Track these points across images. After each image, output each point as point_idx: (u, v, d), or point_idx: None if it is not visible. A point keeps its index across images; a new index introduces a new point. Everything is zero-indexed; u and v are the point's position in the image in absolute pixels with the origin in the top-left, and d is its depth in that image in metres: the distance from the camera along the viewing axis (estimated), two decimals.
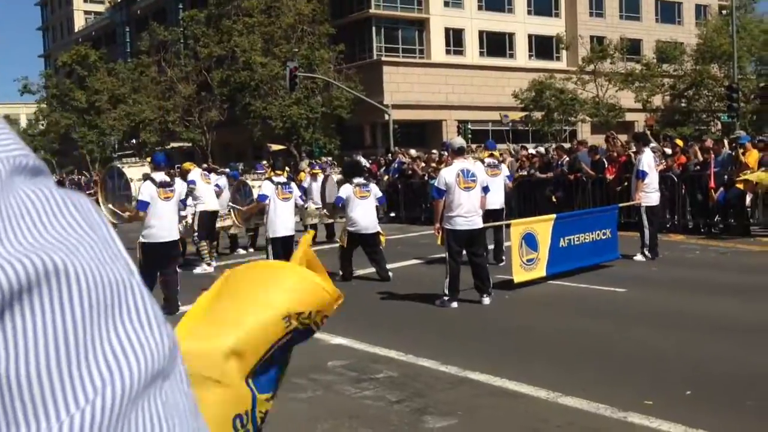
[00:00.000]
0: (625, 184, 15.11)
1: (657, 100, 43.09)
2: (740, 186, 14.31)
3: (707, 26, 44.63)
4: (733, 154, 15.03)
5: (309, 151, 38.53)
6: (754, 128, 34.52)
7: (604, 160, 17.03)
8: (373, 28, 45.26)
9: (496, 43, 48.77)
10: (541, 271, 10.50)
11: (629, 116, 43.01)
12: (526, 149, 21.27)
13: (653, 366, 6.41)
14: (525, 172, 19.04)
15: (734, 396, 5.60)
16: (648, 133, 20.48)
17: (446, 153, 11.94)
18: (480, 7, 47.85)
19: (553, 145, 22.36)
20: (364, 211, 11.39)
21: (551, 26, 49.06)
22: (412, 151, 23.72)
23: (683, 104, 43.78)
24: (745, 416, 5.25)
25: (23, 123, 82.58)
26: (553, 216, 11.38)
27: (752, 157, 14.59)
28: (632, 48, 46.14)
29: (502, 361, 6.71)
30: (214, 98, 44.90)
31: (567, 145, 22.17)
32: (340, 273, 11.46)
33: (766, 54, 42.56)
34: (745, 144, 15.20)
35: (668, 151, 16.75)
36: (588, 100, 40.53)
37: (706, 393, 5.67)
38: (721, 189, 14.78)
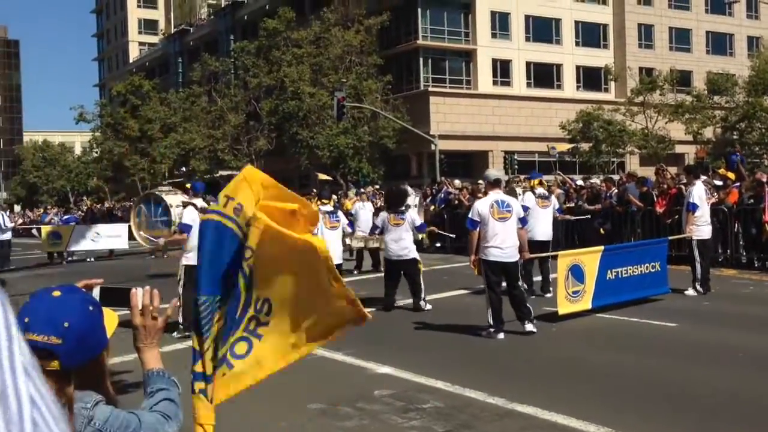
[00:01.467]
0: (676, 217, 14.88)
1: (708, 132, 42.43)
2: None
3: (759, 58, 43.93)
4: None
5: (355, 180, 38.80)
6: None
7: (653, 192, 16.81)
8: (421, 59, 45.60)
9: (544, 74, 48.71)
10: (586, 303, 10.38)
11: (679, 148, 42.41)
12: (573, 180, 21.10)
13: (706, 403, 6.27)
14: (573, 204, 18.87)
15: None
16: (699, 165, 20.17)
17: None
18: (527, 39, 47.92)
19: (601, 177, 22.13)
20: (393, 239, 11.43)
21: (599, 57, 48.84)
22: (457, 182, 23.70)
23: (735, 136, 43.02)
24: None
25: (78, 151, 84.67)
26: (601, 248, 11.25)
27: None
28: (682, 79, 45.62)
29: (549, 393, 6.62)
30: (262, 127, 45.62)
31: (616, 177, 21.93)
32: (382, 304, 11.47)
33: None
34: None
35: (718, 183, 16.47)
36: (637, 131, 40.09)
37: None
38: None
